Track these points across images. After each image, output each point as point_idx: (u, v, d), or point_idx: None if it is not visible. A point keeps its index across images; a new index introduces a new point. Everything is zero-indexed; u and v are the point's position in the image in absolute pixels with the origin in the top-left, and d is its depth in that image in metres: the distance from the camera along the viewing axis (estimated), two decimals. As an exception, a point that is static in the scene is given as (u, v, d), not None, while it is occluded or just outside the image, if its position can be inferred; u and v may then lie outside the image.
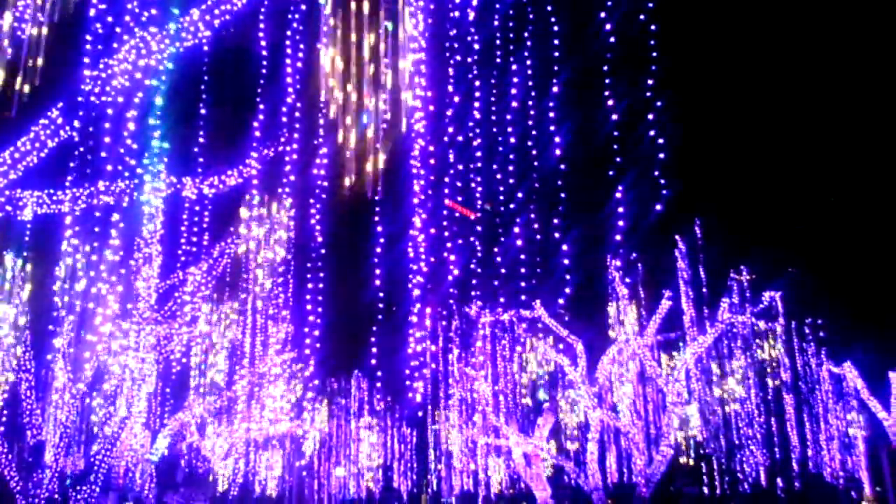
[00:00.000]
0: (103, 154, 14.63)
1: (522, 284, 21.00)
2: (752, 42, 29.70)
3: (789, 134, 31.95)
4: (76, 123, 12.04)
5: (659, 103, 17.85)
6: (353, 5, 14.26)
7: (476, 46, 16.58)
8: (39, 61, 11.67)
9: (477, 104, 17.05)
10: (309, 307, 19.18)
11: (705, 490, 33.89)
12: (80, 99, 12.45)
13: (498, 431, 31.30)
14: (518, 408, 33.07)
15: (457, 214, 18.09)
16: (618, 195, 18.47)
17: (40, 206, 14.87)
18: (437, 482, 40.90)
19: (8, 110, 11.67)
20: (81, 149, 15.12)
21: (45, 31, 11.76)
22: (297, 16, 16.18)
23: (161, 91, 15.10)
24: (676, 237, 28.34)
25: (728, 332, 30.61)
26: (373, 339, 20.51)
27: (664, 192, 18.09)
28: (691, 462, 37.79)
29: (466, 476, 36.93)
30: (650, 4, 17.62)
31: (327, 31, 14.16)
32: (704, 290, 28.64)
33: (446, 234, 17.90)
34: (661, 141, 17.60)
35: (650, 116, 18.05)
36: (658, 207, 17.90)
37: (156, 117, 15.52)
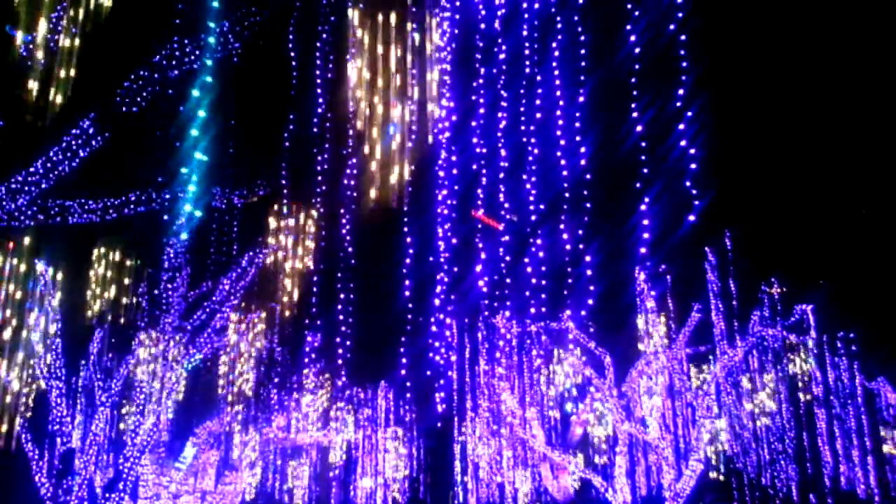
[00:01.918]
0: (135, 164, 14.84)
1: (548, 295, 20.95)
2: (782, 51, 29.41)
3: (822, 144, 31.55)
4: (107, 133, 12.23)
5: (689, 113, 17.76)
6: (380, 18, 14.37)
7: (502, 56, 16.62)
8: (72, 72, 11.87)
9: (503, 115, 17.07)
10: (341, 317, 19.28)
11: (736, 505, 33.44)
12: (113, 108, 12.64)
13: (525, 444, 31.11)
14: (545, 420, 32.87)
15: (480, 225, 18.11)
16: (643, 207, 18.39)
17: (72, 216, 15.10)
18: (463, 494, 40.70)
19: (41, 120, 11.87)
20: (115, 160, 15.35)
21: (77, 42, 11.98)
22: (326, 27, 16.33)
23: (192, 103, 15.30)
24: (706, 248, 28.08)
25: (759, 345, 30.25)
26: (402, 350, 20.56)
27: (696, 202, 17.97)
28: (721, 477, 37.31)
29: (493, 488, 36.71)
30: (679, 14, 17.56)
31: (354, 44, 14.28)
32: (735, 302, 28.34)
33: (480, 245, 17.92)
34: (692, 151, 17.48)
35: (681, 126, 17.95)
36: (691, 218, 17.77)
37: (187, 128, 15.72)
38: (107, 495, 20.11)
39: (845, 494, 34.26)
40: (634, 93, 17.67)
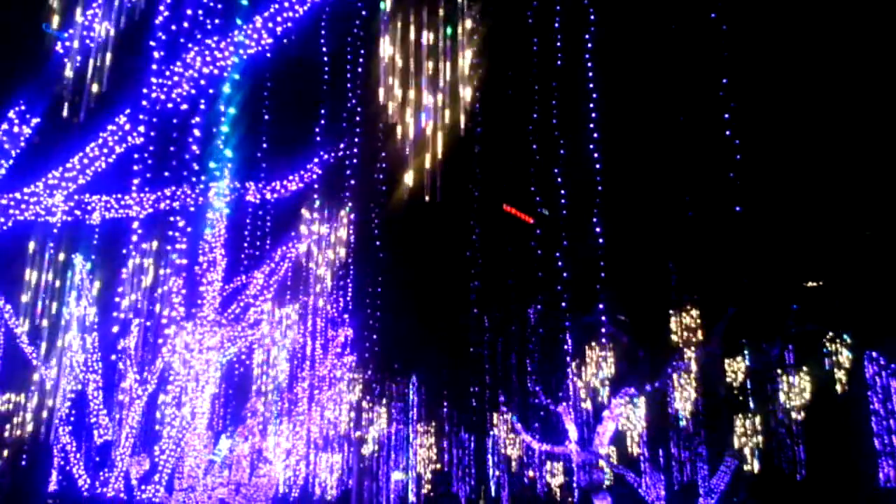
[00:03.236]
0: (171, 160, 14.94)
1: (579, 290, 20.82)
2: (804, 55, 28.89)
3: (838, 146, 30.92)
4: (141, 129, 12.28)
5: (733, 104, 17.55)
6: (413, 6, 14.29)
7: (536, 48, 16.50)
8: (107, 69, 11.93)
9: (537, 107, 16.96)
10: (372, 311, 19.28)
11: (770, 502, 33.04)
12: (145, 104, 12.69)
13: (555, 438, 31.05)
14: (579, 414, 32.75)
15: (511, 218, 18.04)
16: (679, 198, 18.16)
17: (108, 211, 15.21)
18: (495, 488, 40.74)
19: (76, 116, 11.94)
20: (147, 154, 15.43)
21: (111, 37, 12.03)
22: (357, 21, 16.31)
23: (225, 98, 15.35)
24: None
25: (795, 340, 29.89)
26: (435, 344, 20.54)
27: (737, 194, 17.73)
28: (756, 472, 36.93)
29: (524, 482, 36.70)
30: (713, 15, 17.39)
31: (387, 30, 14.21)
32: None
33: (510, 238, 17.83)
34: (737, 142, 17.27)
35: (725, 116, 17.74)
36: (737, 209, 17.55)
37: (220, 124, 15.78)
38: (142, 487, 20.34)
39: (885, 492, 33.74)
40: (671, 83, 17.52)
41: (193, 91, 13.28)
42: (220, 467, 25.10)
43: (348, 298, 25.50)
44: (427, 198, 13.32)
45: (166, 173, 14.99)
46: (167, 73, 12.77)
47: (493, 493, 41.24)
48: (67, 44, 11.93)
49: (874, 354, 33.95)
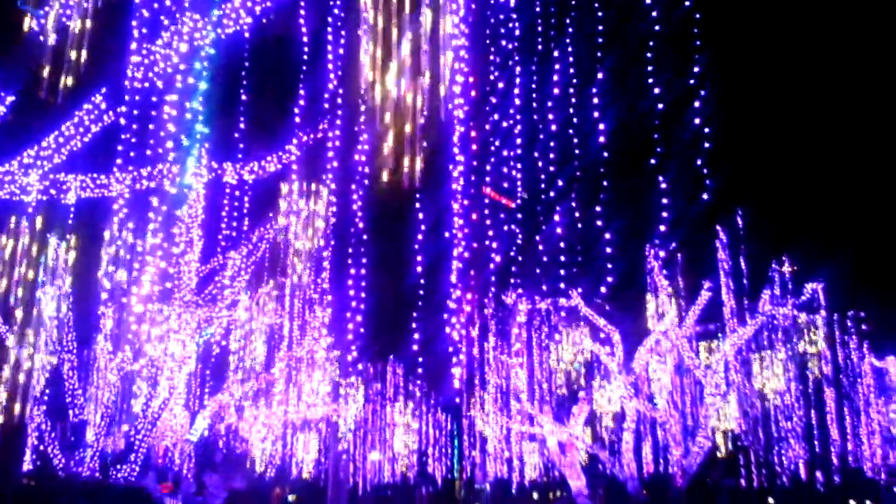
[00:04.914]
0: (147, 139, 14.78)
1: (561, 273, 20.89)
2: (795, 31, 29.10)
3: (833, 122, 31.29)
4: (122, 109, 12.16)
5: (703, 92, 17.58)
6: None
7: (517, 33, 16.44)
8: (84, 48, 11.78)
9: (518, 91, 16.92)
10: (352, 293, 19.24)
11: (742, 483, 33.53)
12: (126, 84, 12.55)
13: (533, 419, 31.24)
14: (554, 396, 32.96)
15: (487, 200, 18.01)
16: (662, 185, 18.24)
17: (84, 190, 15.06)
18: (471, 468, 40.97)
19: (53, 96, 11.81)
20: (125, 134, 15.26)
21: (89, 18, 11.87)
22: (337, 2, 16.16)
23: (203, 77, 15.19)
24: (717, 227, 27.96)
25: (769, 324, 30.17)
26: (413, 326, 20.53)
27: (708, 181, 17.83)
28: (729, 454, 37.43)
29: (501, 463, 36.93)
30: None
31: (367, 18, 14.12)
32: (745, 281, 28.27)
33: (487, 222, 17.83)
34: (707, 130, 17.30)
35: (696, 104, 17.76)
36: (704, 196, 17.65)
37: (198, 103, 15.61)
38: (118, 467, 20.24)
39: (853, 471, 34.33)
40: (650, 69, 17.49)
41: (170, 70, 13.14)
42: (196, 447, 25.06)
43: (322, 279, 25.41)
44: (406, 185, 13.30)
45: (148, 152, 14.83)
46: (144, 52, 12.62)
47: (468, 474, 41.49)
48: (43, 21, 11.76)
49: (846, 338, 34.45)
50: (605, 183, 18.73)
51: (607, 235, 19.40)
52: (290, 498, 39.41)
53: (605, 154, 18.04)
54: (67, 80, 11.76)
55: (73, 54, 11.60)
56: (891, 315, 35.09)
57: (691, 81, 17.73)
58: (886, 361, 35.43)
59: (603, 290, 24.76)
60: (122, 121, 12.57)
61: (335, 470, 33.60)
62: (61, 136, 12.91)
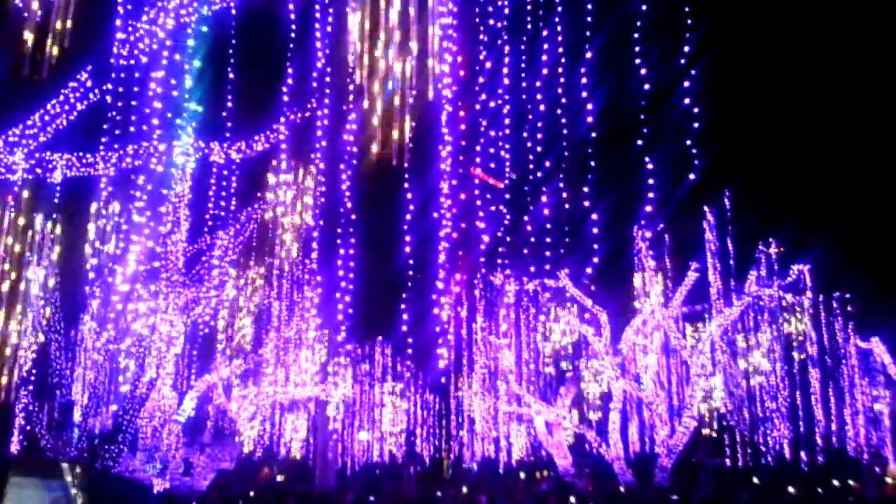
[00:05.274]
0: (133, 117, 14.68)
1: (548, 254, 20.92)
2: (783, 11, 29.08)
3: (821, 104, 31.33)
4: (108, 87, 12.08)
5: (693, 72, 17.55)
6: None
7: (506, 12, 16.38)
8: (69, 24, 11.66)
9: (506, 71, 16.87)
10: (341, 273, 19.21)
11: (728, 462, 33.83)
12: (111, 61, 12.45)
13: (520, 399, 31.40)
14: (541, 376, 33.14)
15: (477, 181, 17.99)
16: (649, 165, 18.25)
17: (70, 169, 14.97)
18: (458, 448, 41.20)
19: (38, 73, 11.69)
20: (111, 112, 15.15)
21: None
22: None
23: (190, 55, 15.08)
24: (705, 208, 28.05)
25: (755, 304, 30.36)
26: (402, 306, 20.50)
27: (697, 162, 17.84)
28: (714, 434, 37.73)
29: (488, 443, 37.15)
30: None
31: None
32: (732, 262, 28.41)
33: (479, 203, 17.82)
34: (696, 110, 17.27)
35: (685, 84, 17.72)
36: (692, 177, 17.66)
37: (185, 81, 15.51)
38: (105, 447, 20.21)
39: (836, 452, 34.67)
40: (638, 48, 17.46)
41: (156, 46, 13.04)
42: (184, 427, 25.07)
43: (311, 258, 25.35)
44: (395, 161, 13.28)
45: (131, 129, 14.73)
46: (130, 28, 12.52)
47: (456, 454, 41.73)
48: (27, -3, 11.63)
49: (832, 320, 34.71)
50: (592, 164, 18.71)
51: (594, 216, 19.41)
52: (279, 478, 39.58)
53: (594, 134, 18.01)
54: (52, 58, 11.64)
55: (58, 26, 11.47)
56: (876, 297, 35.33)
57: (682, 60, 17.72)
58: (871, 343, 35.69)
59: (588, 270, 24.82)
60: (108, 98, 12.48)
61: (323, 450, 33.73)
62: (47, 114, 12.83)
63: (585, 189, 19.09)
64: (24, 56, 11.42)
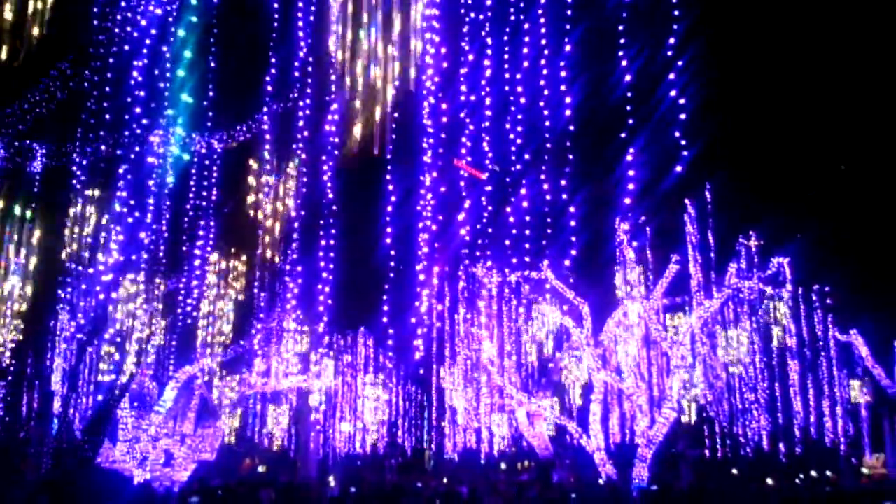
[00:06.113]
0: (113, 105, 14.60)
1: (529, 246, 20.94)
2: (765, 3, 29.20)
3: (801, 98, 31.54)
4: (87, 74, 12.00)
5: (680, 63, 17.58)
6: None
7: (488, 3, 16.38)
8: (47, 12, 11.57)
9: (487, 62, 16.87)
10: (322, 264, 19.19)
11: (707, 453, 34.12)
12: (91, 49, 12.38)
13: (502, 391, 31.49)
14: (523, 368, 33.24)
15: (463, 173, 17.98)
16: (629, 157, 18.29)
17: (49, 158, 14.87)
18: (440, 439, 41.32)
19: (17, 61, 11.59)
20: (91, 101, 15.06)
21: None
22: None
23: (171, 44, 15.01)
24: (686, 201, 28.19)
25: (735, 297, 30.58)
26: (384, 297, 20.48)
27: (683, 153, 17.82)
28: (694, 425, 38.01)
29: (470, 434, 37.28)
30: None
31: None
32: (712, 254, 28.57)
33: (463, 194, 17.83)
34: (682, 101, 17.28)
35: (671, 76, 17.73)
36: (678, 169, 17.68)
37: (166, 70, 15.44)
38: (86, 437, 20.14)
39: (813, 443, 35.06)
40: (621, 40, 17.50)
41: (136, 34, 12.96)
42: (165, 418, 25.00)
43: (292, 249, 25.28)
44: (376, 150, 13.28)
45: (108, 119, 14.64)
46: (109, 17, 12.43)
47: (438, 444, 41.87)
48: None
49: (811, 312, 35.05)
50: (570, 157, 18.73)
51: (571, 209, 19.45)
52: (260, 469, 39.55)
53: (573, 127, 18.05)
54: (31, 45, 11.55)
55: (37, 16, 11.37)
56: (855, 290, 35.71)
57: (668, 52, 17.75)
58: (850, 335, 36.10)
59: (567, 262, 24.86)
60: (87, 84, 12.40)
61: (305, 441, 33.70)
62: (27, 102, 12.73)
63: (564, 182, 19.12)
64: (3, 43, 11.33)
